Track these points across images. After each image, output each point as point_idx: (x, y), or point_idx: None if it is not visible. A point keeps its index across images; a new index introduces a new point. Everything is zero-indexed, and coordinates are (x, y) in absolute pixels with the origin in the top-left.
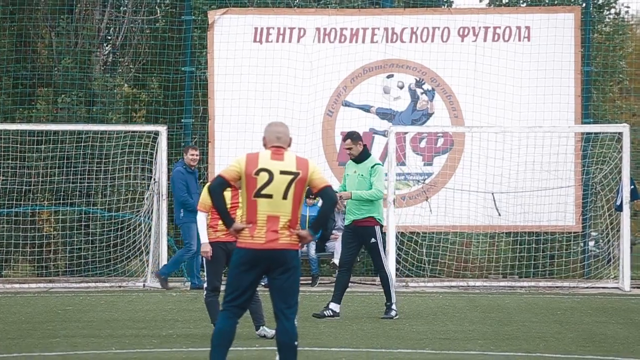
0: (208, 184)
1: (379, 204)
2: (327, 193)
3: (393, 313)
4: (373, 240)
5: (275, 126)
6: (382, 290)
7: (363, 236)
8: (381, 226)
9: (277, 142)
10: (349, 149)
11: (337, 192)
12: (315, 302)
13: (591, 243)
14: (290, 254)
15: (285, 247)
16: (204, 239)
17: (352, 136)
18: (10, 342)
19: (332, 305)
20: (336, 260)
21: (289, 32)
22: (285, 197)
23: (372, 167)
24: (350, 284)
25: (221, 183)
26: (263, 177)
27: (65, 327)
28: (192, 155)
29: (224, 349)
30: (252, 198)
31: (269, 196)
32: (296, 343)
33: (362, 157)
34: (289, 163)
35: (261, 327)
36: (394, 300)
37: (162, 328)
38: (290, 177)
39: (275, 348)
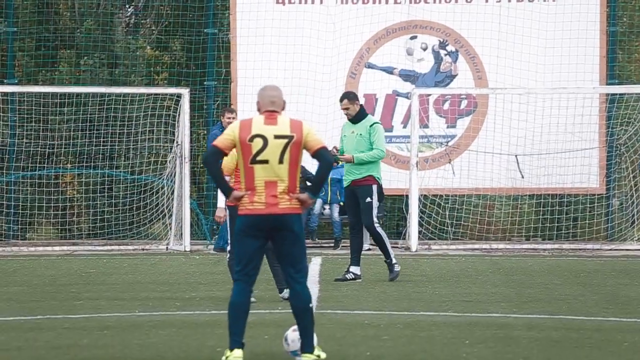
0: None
1: (378, 163)
2: (322, 155)
3: (397, 268)
4: (368, 199)
5: (269, 90)
6: (404, 252)
7: (360, 194)
8: (379, 185)
9: (271, 106)
10: (346, 109)
11: (338, 155)
12: (338, 265)
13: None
14: (291, 218)
15: (286, 211)
16: (221, 203)
17: (348, 96)
18: (34, 305)
19: (353, 269)
20: None
21: None
22: (281, 161)
23: (371, 126)
24: (372, 247)
25: (215, 152)
26: (257, 143)
27: (88, 290)
28: (229, 118)
29: (242, 320)
30: (249, 165)
31: (265, 162)
32: (311, 305)
33: (359, 116)
34: (282, 127)
35: (285, 290)
36: (392, 255)
37: (185, 291)
38: (285, 140)
39: None
